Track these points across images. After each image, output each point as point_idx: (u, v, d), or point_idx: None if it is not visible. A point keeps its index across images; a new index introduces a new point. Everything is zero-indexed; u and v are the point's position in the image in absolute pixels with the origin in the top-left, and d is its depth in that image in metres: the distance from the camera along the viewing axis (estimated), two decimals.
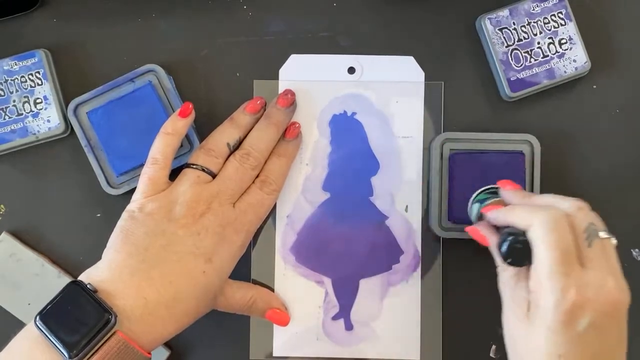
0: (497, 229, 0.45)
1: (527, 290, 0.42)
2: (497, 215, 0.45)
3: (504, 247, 0.42)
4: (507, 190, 0.47)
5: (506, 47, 0.52)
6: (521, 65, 0.52)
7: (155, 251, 0.46)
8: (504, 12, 0.52)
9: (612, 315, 0.40)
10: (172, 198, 0.48)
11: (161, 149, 0.49)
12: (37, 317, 0.42)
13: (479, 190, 0.49)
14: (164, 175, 0.49)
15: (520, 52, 0.52)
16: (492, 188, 0.48)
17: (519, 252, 0.41)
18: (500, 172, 0.51)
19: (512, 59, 0.52)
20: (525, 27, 0.52)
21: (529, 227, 0.41)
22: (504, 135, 0.52)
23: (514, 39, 0.52)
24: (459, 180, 0.51)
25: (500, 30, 0.52)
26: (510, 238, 0.42)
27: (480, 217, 0.47)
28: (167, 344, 0.53)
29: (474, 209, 0.48)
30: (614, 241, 0.42)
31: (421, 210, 0.54)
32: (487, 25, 0.52)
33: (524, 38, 0.52)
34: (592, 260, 0.40)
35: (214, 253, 0.47)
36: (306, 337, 0.53)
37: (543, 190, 0.52)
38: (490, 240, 0.45)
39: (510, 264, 0.42)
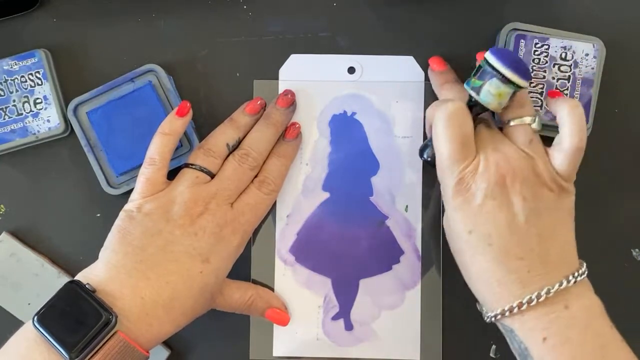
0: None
1: None
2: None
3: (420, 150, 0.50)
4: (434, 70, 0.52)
5: None
6: None
7: (152, 251, 0.46)
8: None
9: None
10: (170, 198, 0.48)
11: (158, 149, 0.49)
12: (35, 318, 0.42)
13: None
14: (162, 176, 0.48)
15: None
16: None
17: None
18: None
19: None
20: None
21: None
22: None
23: None
24: None
25: None
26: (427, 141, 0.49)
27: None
28: (167, 344, 0.53)
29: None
30: None
31: (421, 210, 0.54)
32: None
33: None
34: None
35: (211, 253, 0.47)
36: (306, 337, 0.53)
37: None
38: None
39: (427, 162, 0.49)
